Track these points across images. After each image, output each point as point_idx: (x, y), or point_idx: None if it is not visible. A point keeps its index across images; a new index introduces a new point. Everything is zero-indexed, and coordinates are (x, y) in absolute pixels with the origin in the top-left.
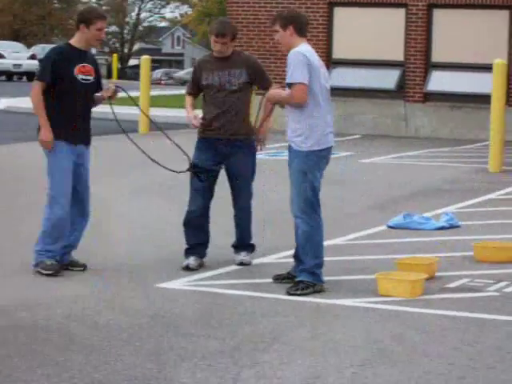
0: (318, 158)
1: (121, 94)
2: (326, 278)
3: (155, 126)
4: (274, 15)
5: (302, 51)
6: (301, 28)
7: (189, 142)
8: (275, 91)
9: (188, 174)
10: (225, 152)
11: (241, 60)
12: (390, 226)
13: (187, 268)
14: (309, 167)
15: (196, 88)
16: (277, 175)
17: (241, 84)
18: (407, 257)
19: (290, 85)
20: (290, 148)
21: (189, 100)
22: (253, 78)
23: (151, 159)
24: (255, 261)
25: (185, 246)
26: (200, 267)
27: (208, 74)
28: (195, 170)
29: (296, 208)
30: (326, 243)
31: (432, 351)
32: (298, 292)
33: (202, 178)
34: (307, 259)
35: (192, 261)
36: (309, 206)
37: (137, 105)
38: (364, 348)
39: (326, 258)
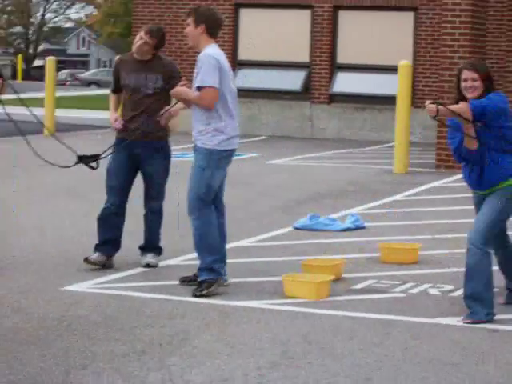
0: (220, 158)
1: (25, 95)
2: (232, 280)
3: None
4: (191, 8)
5: (214, 55)
6: (212, 29)
7: (103, 142)
8: (183, 89)
9: (100, 173)
10: (139, 153)
11: (160, 65)
12: (296, 228)
13: (86, 260)
14: (208, 164)
15: (118, 85)
16: (182, 176)
17: (157, 89)
18: (313, 258)
19: (199, 87)
20: (194, 147)
21: (112, 99)
22: (169, 84)
23: (41, 158)
24: (161, 263)
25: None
26: (103, 265)
27: (126, 74)
28: (83, 161)
29: (189, 206)
30: (232, 245)
31: (339, 352)
32: (204, 292)
33: (93, 166)
34: (204, 257)
35: (95, 256)
36: (201, 203)
37: (25, 105)
38: (271, 350)
39: (231, 260)
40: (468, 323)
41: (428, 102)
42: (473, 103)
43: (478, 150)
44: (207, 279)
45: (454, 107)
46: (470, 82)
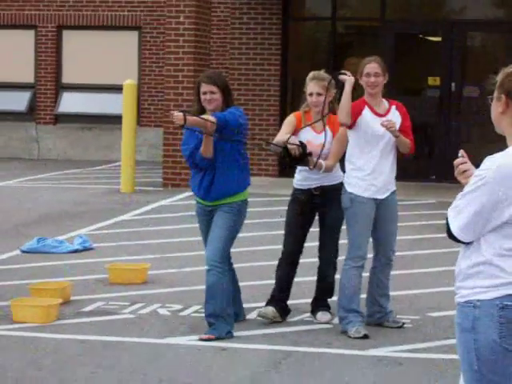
0: None
1: None
2: None
3: None
4: None
5: None
6: None
7: None
8: None
9: None
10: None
11: None
12: (24, 251)
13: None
14: None
15: None
16: None
17: None
18: (41, 281)
19: None
20: None
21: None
22: None
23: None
24: None
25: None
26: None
27: None
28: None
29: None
30: None
31: (69, 377)
32: None
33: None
34: None
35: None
36: None
37: None
38: (1, 376)
39: None
40: (204, 340)
41: (174, 112)
42: (217, 115)
43: (212, 159)
44: None
45: (202, 117)
46: (209, 94)
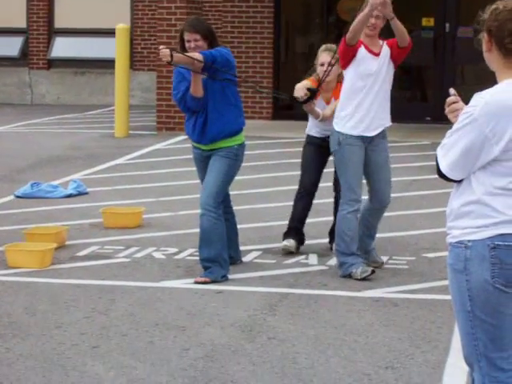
0: None
1: None
2: None
3: None
4: None
5: None
6: None
7: None
8: None
9: None
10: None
11: None
12: (18, 196)
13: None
14: None
15: None
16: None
17: None
18: (35, 227)
19: None
20: None
21: None
22: None
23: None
24: None
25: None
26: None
27: None
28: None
29: None
30: None
31: (64, 321)
32: None
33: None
34: None
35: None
36: None
37: None
38: None
39: None
40: (200, 283)
41: (162, 46)
42: (204, 52)
43: (203, 98)
44: None
45: (188, 54)
46: (193, 42)
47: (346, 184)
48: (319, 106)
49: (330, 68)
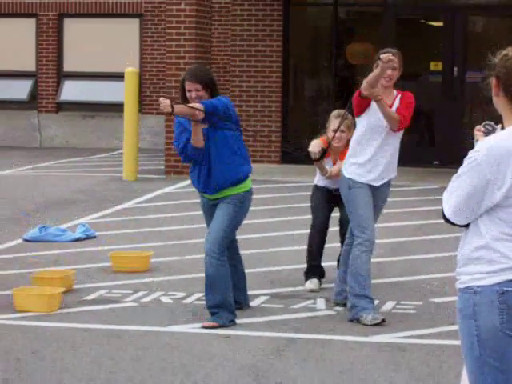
0: None
1: None
2: None
3: None
4: None
5: None
6: None
7: None
8: None
9: None
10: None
11: None
12: (26, 240)
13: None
14: None
15: None
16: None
17: None
18: (43, 270)
19: None
20: None
21: None
22: None
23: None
24: None
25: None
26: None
27: None
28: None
29: None
30: None
31: (71, 366)
32: None
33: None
34: None
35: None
36: None
37: None
38: (3, 365)
39: None
40: (207, 327)
41: (162, 98)
42: (205, 102)
43: (204, 149)
44: None
45: (190, 105)
46: (195, 92)
47: (357, 224)
48: (326, 164)
49: (338, 134)
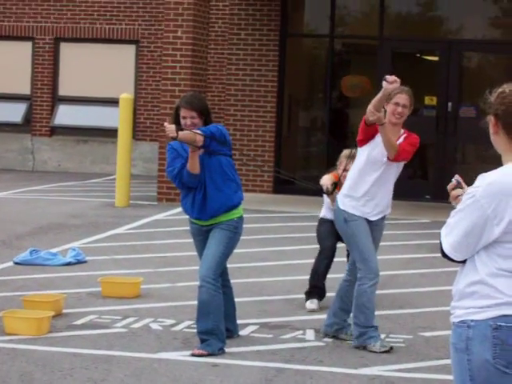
0: None
1: None
2: None
3: None
4: None
5: None
6: None
7: None
8: None
9: None
10: None
11: None
12: (17, 263)
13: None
14: None
15: None
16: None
17: None
18: (33, 294)
19: None
20: None
21: None
22: None
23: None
24: None
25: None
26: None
27: None
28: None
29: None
30: None
31: None
32: None
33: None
34: None
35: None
36: None
37: None
38: None
39: None
40: (196, 355)
41: (166, 123)
42: (203, 129)
43: (199, 175)
44: None
45: (194, 131)
46: (190, 119)
47: (360, 258)
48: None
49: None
